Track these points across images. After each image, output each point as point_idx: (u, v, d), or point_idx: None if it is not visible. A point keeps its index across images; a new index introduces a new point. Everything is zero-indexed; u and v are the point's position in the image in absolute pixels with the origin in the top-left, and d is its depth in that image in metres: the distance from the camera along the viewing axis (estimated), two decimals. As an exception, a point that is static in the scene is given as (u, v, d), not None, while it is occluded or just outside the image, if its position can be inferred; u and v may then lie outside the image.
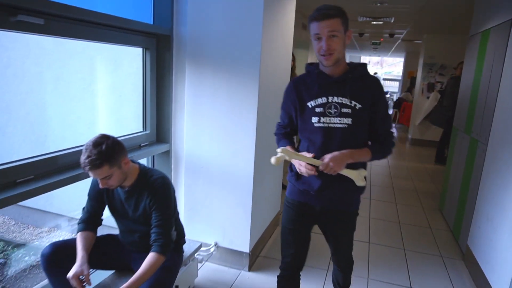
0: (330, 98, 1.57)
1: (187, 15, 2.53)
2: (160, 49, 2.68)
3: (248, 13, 2.35)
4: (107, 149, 1.62)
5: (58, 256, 1.76)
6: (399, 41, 9.38)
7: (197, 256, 2.46)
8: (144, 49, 2.64)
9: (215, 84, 2.50)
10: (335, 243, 1.87)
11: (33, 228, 3.83)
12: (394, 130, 1.62)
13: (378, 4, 4.93)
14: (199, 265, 2.60)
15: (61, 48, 3.29)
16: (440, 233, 3.54)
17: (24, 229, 3.80)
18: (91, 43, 2.96)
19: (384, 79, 18.14)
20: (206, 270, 2.66)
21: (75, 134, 3.32)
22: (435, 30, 7.21)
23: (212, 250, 2.69)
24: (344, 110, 1.56)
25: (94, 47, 3.17)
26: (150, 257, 1.70)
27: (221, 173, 2.61)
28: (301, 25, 5.94)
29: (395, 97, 14.28)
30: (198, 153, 2.66)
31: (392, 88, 17.63)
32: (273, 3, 2.54)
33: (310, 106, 1.60)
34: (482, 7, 3.48)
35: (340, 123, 1.57)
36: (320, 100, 1.59)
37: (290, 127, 1.77)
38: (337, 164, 1.51)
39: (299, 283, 1.91)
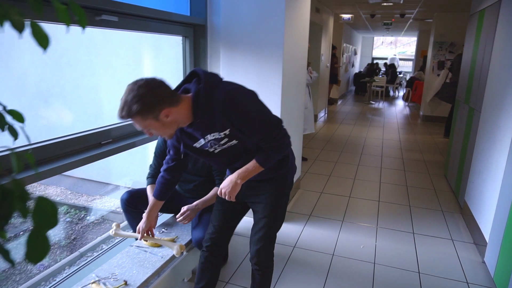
0: (206, 138, 1.57)
1: (220, 8, 3.00)
2: (197, 37, 3.17)
3: (272, 4, 2.81)
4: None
5: (133, 200, 2.32)
6: (410, 20, 9.60)
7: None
8: (184, 38, 3.13)
9: (245, 65, 2.99)
10: (256, 221, 1.81)
11: (86, 196, 4.45)
12: (278, 129, 1.58)
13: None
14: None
15: (109, 38, 3.81)
16: (443, 193, 4.00)
17: (79, 197, 4.42)
18: (134, 33, 3.47)
19: (400, 59, 18.22)
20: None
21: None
22: (445, 9, 7.45)
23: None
24: (222, 141, 1.56)
25: (137, 37, 3.68)
26: (214, 189, 2.26)
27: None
28: (314, 9, 6.32)
29: (407, 77, 14.48)
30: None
31: (406, 68, 17.72)
32: (293, 2, 2.99)
33: (197, 147, 1.62)
34: (481, -11, 3.83)
35: (230, 145, 1.59)
36: (201, 142, 1.59)
37: (177, 157, 1.78)
38: (229, 189, 1.62)
39: (219, 260, 1.91)
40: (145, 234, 1.98)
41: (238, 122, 1.50)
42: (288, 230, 3.07)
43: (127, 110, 1.37)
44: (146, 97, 1.38)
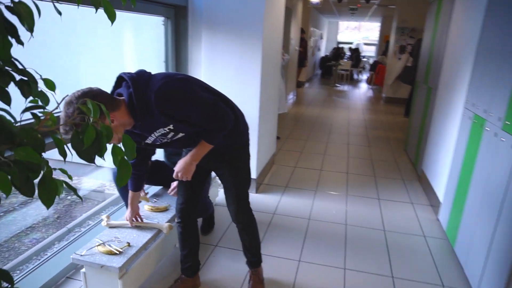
0: (154, 135, 1.64)
1: (202, -11, 3.13)
2: (178, 18, 3.28)
3: (252, -12, 2.98)
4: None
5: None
6: (375, 6, 10.01)
7: (217, 180, 3.21)
8: (166, 18, 3.24)
9: (227, 46, 3.15)
10: (225, 187, 1.98)
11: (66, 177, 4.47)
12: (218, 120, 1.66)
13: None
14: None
15: (88, 18, 3.82)
16: (403, 165, 4.42)
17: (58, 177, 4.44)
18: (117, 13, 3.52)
19: (364, 44, 18.83)
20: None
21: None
22: (407, -4, 7.88)
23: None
24: (169, 135, 1.65)
25: (117, 16, 3.71)
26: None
27: (232, 117, 3.32)
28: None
29: (371, 61, 15.07)
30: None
31: (369, 52, 18.38)
32: (270, -21, 3.17)
33: (149, 142, 1.70)
34: (438, -22, 4.18)
35: (180, 136, 1.69)
36: (151, 138, 1.67)
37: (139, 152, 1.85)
38: (183, 171, 1.74)
39: (195, 227, 2.09)
40: (134, 220, 2.14)
41: (177, 114, 1.55)
42: (267, 200, 3.33)
43: (70, 125, 1.23)
44: None
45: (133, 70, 1.63)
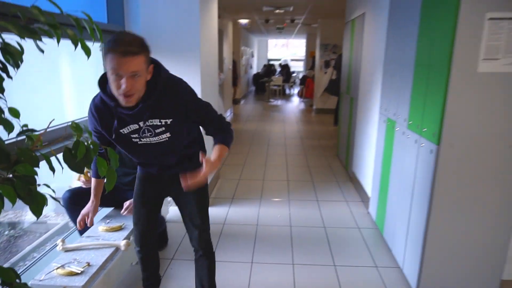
0: (141, 124, 1.54)
1: (139, 15, 3.27)
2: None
3: (189, 14, 3.20)
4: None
5: (75, 197, 2.49)
6: (299, 25, 10.80)
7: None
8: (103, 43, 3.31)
9: (167, 67, 3.31)
10: (188, 213, 1.87)
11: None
12: (226, 121, 1.75)
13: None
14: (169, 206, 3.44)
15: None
16: (336, 169, 4.87)
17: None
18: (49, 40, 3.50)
19: (292, 60, 19.93)
20: (172, 209, 3.53)
21: (37, 121, 3.81)
22: (327, 16, 8.68)
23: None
24: (158, 130, 1.57)
25: (51, 43, 3.68)
26: None
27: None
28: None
29: (300, 75, 16.03)
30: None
31: (298, 67, 19.50)
32: (205, 4, 3.41)
33: (124, 132, 1.57)
34: (350, 2, 4.79)
35: (161, 139, 1.60)
36: (132, 127, 1.56)
37: (103, 145, 1.62)
38: (212, 169, 1.55)
39: (155, 252, 2.06)
40: (85, 225, 2.03)
41: (195, 110, 1.60)
42: (215, 212, 3.50)
43: (138, 43, 1.33)
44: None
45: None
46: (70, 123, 0.92)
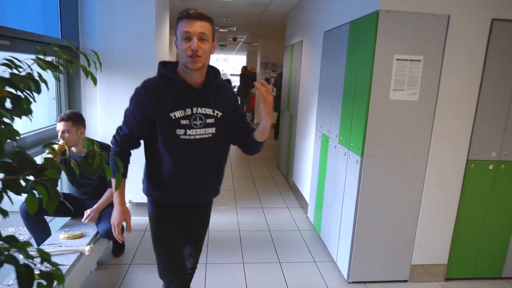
0: (195, 109, 1.54)
1: (96, 32, 3.42)
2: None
3: (145, 29, 3.42)
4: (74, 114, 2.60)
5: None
6: (241, 43, 11.33)
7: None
8: (56, 58, 3.39)
9: (123, 84, 3.48)
10: (193, 242, 1.87)
11: None
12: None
13: (224, 19, 6.46)
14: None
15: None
16: (277, 179, 5.31)
17: None
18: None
19: (231, 75, 20.44)
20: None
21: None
22: (267, 37, 9.29)
23: (128, 206, 3.68)
24: (209, 120, 1.57)
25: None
26: (108, 190, 2.71)
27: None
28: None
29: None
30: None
31: (237, 82, 20.04)
32: (160, 22, 3.66)
33: (173, 117, 1.52)
34: (289, 29, 5.34)
35: (205, 134, 1.58)
36: (185, 112, 1.53)
37: (136, 139, 1.63)
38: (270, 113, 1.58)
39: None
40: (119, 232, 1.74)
41: (238, 107, 1.72)
42: (168, 221, 3.70)
43: (206, 13, 1.47)
44: None
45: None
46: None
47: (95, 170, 1.11)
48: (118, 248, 2.99)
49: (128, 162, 1.67)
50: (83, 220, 2.63)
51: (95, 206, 2.66)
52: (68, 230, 2.63)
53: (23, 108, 1.07)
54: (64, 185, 3.33)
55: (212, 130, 1.59)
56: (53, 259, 2.01)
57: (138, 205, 3.76)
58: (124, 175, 1.66)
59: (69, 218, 2.86)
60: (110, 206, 2.75)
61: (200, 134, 1.57)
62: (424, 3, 2.33)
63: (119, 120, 1.65)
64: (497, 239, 2.75)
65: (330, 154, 3.14)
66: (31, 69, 1.11)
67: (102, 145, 2.70)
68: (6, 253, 1.01)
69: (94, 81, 1.25)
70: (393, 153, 2.50)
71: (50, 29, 3.47)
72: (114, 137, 1.65)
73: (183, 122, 1.53)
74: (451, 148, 2.56)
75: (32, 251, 1.03)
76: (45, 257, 1.07)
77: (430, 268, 2.76)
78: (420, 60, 2.37)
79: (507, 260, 2.80)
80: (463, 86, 2.48)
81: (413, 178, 2.57)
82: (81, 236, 2.54)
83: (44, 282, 1.03)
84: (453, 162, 2.59)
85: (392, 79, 2.38)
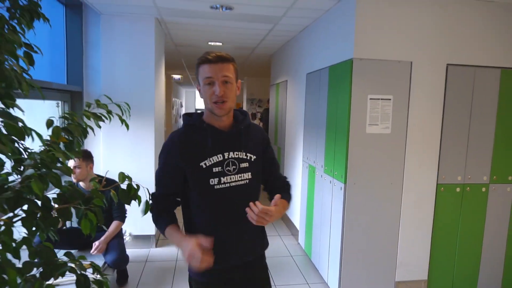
0: (226, 155, 1.45)
1: (100, 77, 3.74)
2: (73, 101, 3.78)
3: (145, 73, 3.76)
4: (84, 151, 2.85)
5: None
6: (227, 80, 11.85)
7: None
8: (62, 101, 3.69)
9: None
10: None
11: None
12: None
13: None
14: (121, 248, 3.73)
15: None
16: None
17: None
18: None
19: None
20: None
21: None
22: (253, 75, 9.82)
23: (127, 238, 3.86)
24: (243, 165, 1.47)
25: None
26: (114, 223, 2.92)
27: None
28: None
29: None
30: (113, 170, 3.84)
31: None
32: (158, 66, 4.02)
33: (204, 166, 1.42)
34: (274, 69, 5.80)
35: (241, 180, 1.46)
36: (216, 158, 1.43)
37: (174, 195, 1.51)
38: (270, 219, 1.38)
39: None
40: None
41: (269, 150, 1.60)
42: (166, 251, 3.88)
43: (227, 54, 1.43)
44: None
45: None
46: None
47: (131, 198, 1.39)
48: (122, 278, 3.16)
49: (175, 217, 1.52)
50: (92, 251, 2.82)
51: (102, 238, 2.87)
52: (77, 261, 2.81)
53: (75, 151, 1.37)
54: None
55: (248, 175, 1.48)
56: (68, 287, 2.21)
57: (137, 237, 3.95)
58: (173, 222, 1.49)
59: (76, 250, 3.04)
60: (115, 237, 2.96)
61: (236, 181, 1.46)
62: (390, 52, 2.76)
63: (119, 156, 1.86)
64: (470, 254, 3.06)
65: (317, 183, 3.45)
66: (82, 120, 1.40)
67: (109, 180, 2.93)
68: (69, 265, 1.27)
69: (127, 126, 1.55)
70: (372, 179, 2.83)
71: (56, 75, 3.78)
72: (152, 202, 1.49)
73: (215, 169, 1.43)
74: (422, 174, 2.92)
75: (85, 262, 1.30)
76: (97, 268, 1.33)
77: (412, 284, 3.03)
78: (390, 99, 2.77)
79: (480, 274, 3.09)
80: (428, 120, 2.88)
81: (391, 201, 2.89)
82: (90, 267, 2.72)
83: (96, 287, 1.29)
84: (425, 186, 2.93)
85: (367, 115, 2.75)
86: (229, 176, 1.45)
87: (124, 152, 3.83)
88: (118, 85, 3.77)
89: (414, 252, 2.99)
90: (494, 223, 3.04)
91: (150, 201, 1.47)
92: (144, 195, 1.44)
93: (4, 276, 0.93)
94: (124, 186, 1.40)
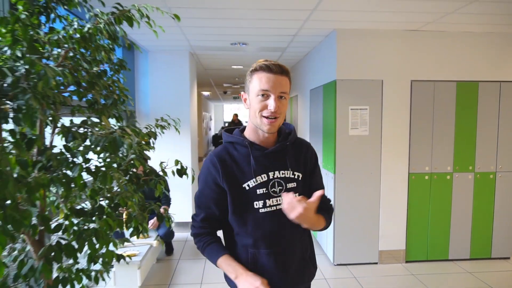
0: (271, 174, 1.33)
1: (148, 97, 4.84)
2: (130, 119, 4.90)
3: (182, 93, 4.83)
4: None
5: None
6: (252, 94, 12.89)
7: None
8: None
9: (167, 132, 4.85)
10: None
11: None
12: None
13: (237, 79, 7.99)
14: (166, 232, 4.76)
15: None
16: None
17: None
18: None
19: (246, 121, 22.15)
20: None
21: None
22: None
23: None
24: (290, 185, 1.34)
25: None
26: (163, 207, 3.96)
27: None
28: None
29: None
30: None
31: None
32: (192, 87, 5.08)
33: (247, 187, 1.31)
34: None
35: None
36: (260, 179, 1.32)
37: (216, 219, 1.39)
38: (305, 213, 1.20)
39: None
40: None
41: (317, 168, 1.44)
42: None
43: (286, 68, 1.30)
44: None
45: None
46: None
47: (183, 173, 2.38)
48: (169, 249, 4.18)
49: (220, 242, 1.43)
50: (149, 227, 3.85)
51: (155, 218, 3.90)
52: (138, 234, 3.85)
53: (150, 146, 2.38)
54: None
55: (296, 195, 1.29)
56: (136, 248, 3.30)
57: (178, 223, 4.98)
58: (225, 251, 1.38)
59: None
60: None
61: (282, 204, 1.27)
62: (365, 73, 3.66)
63: (164, 157, 2.76)
64: (441, 227, 3.84)
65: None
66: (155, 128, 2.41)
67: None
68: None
69: (178, 132, 2.56)
70: (355, 170, 3.71)
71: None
72: (193, 227, 1.44)
73: (259, 191, 1.31)
74: (396, 165, 3.76)
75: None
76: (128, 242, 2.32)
77: (393, 253, 3.84)
78: (367, 109, 3.66)
79: (450, 245, 3.86)
80: (399, 124, 3.73)
81: (371, 187, 3.74)
82: (148, 237, 3.76)
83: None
84: (399, 175, 3.77)
85: (349, 122, 3.65)
86: (275, 199, 1.32)
87: (167, 154, 4.88)
88: (162, 104, 4.86)
89: (393, 226, 3.81)
90: (460, 203, 3.82)
91: (191, 229, 1.45)
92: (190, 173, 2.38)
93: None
94: (178, 167, 2.36)
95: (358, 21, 3.39)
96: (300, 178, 1.38)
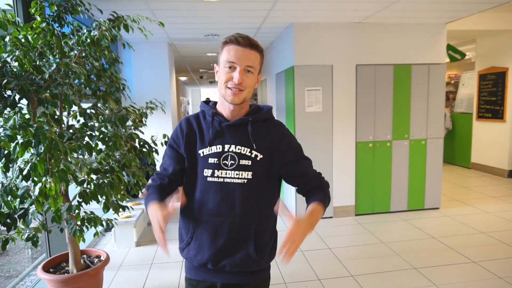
0: (226, 147, 1.33)
1: (133, 85, 5.42)
2: (115, 103, 5.47)
3: (162, 81, 5.43)
4: None
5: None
6: (227, 78, 13.43)
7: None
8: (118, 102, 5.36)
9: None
10: None
11: None
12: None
13: (212, 64, 8.57)
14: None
15: None
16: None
17: None
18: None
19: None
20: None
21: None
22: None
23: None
24: (243, 162, 1.32)
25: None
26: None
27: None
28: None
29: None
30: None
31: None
32: (171, 75, 5.67)
33: (202, 154, 1.34)
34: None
35: (238, 178, 1.31)
36: (215, 148, 1.33)
37: (170, 177, 1.40)
38: (298, 241, 1.18)
39: None
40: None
41: (289, 150, 1.40)
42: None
43: (256, 43, 1.30)
44: None
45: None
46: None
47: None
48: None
49: (160, 192, 1.37)
50: (140, 196, 4.50)
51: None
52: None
53: (143, 123, 3.02)
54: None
55: (247, 174, 1.32)
56: (132, 212, 3.98)
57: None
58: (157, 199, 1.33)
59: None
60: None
61: (231, 178, 1.31)
62: (317, 59, 4.38)
63: (147, 137, 3.55)
64: (383, 187, 4.68)
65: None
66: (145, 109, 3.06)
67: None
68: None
69: (164, 111, 3.22)
70: (312, 141, 4.47)
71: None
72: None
73: (211, 160, 1.34)
74: (345, 136, 4.54)
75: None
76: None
77: (345, 208, 4.66)
78: (319, 89, 4.39)
79: (391, 200, 4.71)
80: (346, 102, 4.49)
81: (325, 154, 4.52)
82: (140, 204, 4.43)
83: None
84: (347, 143, 4.56)
85: (306, 101, 4.38)
86: (224, 171, 1.33)
87: (155, 130, 5.51)
88: (144, 90, 5.44)
89: (344, 186, 4.62)
90: (398, 165, 4.66)
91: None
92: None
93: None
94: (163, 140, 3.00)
95: (311, 16, 4.08)
96: (258, 159, 1.33)
